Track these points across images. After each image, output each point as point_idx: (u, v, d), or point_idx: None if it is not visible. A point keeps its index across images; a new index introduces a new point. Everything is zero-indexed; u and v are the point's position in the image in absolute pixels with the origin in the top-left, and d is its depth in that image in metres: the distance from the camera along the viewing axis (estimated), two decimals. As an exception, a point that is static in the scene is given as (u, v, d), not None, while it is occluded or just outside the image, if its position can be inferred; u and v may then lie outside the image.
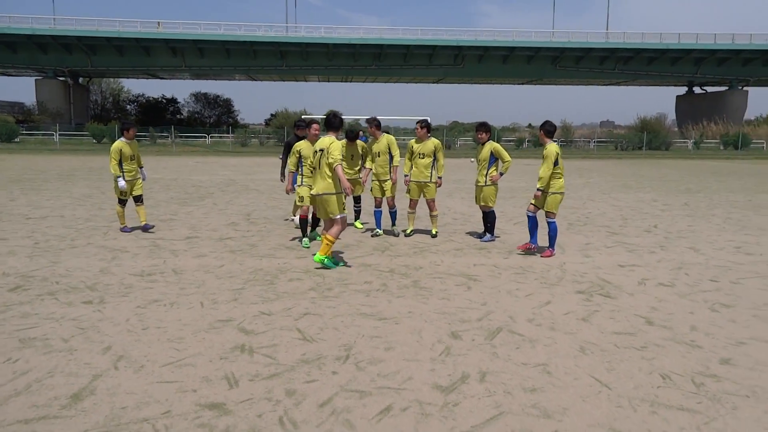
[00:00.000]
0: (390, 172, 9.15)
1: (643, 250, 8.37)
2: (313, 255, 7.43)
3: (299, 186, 8.32)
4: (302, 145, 8.22)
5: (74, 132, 55.24)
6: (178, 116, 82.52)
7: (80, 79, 70.69)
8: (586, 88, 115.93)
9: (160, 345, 4.45)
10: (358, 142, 9.41)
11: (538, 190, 7.80)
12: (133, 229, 9.36)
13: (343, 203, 7.04)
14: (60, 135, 46.63)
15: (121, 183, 8.96)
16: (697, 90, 76.83)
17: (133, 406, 3.45)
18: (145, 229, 9.18)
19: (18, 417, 3.31)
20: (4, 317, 5.04)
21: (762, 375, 4.05)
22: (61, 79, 66.45)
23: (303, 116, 36.45)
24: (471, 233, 9.55)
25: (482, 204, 8.79)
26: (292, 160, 8.30)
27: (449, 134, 61.35)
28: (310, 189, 7.70)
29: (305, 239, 8.40)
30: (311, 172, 7.85)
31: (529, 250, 8.05)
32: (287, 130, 47.31)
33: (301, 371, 4.01)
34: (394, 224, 9.38)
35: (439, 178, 8.99)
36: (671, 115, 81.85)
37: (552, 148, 7.68)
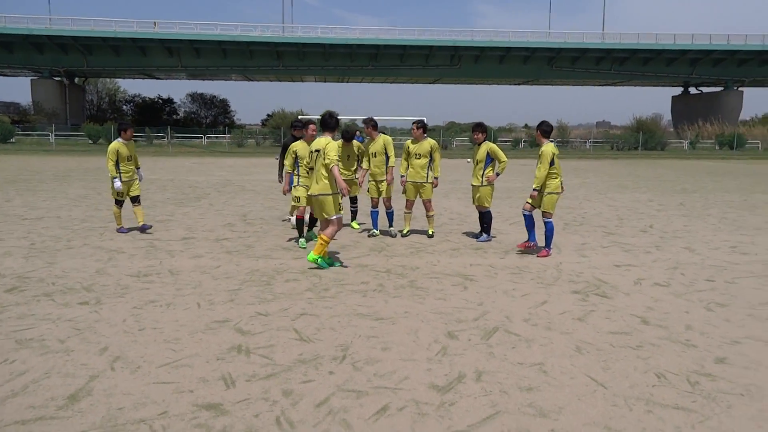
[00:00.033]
0: (386, 173, 9.16)
1: (639, 250, 8.40)
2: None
3: (296, 186, 8.33)
4: (298, 146, 8.23)
5: (70, 132, 55.08)
6: (174, 117, 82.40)
7: (76, 79, 70.48)
8: (582, 88, 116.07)
9: (156, 346, 4.45)
10: (354, 142, 9.41)
11: (534, 189, 7.83)
12: (129, 229, 9.35)
13: (340, 204, 7.04)
14: (56, 135, 46.48)
15: (117, 184, 8.95)
16: (692, 90, 77.08)
17: (130, 407, 3.46)
18: (143, 229, 9.16)
19: (15, 418, 3.31)
20: (1, 318, 5.03)
21: (757, 374, 4.07)
22: (56, 79, 66.29)
23: (300, 117, 36.48)
24: (467, 233, 9.57)
25: (478, 204, 8.81)
26: (288, 161, 8.31)
27: (446, 134, 61.38)
28: (307, 189, 7.70)
29: (302, 240, 8.41)
30: (307, 173, 7.86)
31: (529, 248, 8.09)
32: (284, 131, 47.31)
33: (297, 371, 4.01)
34: (391, 225, 9.39)
35: (436, 178, 9.01)
36: (667, 116, 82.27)
37: (548, 148, 7.71)
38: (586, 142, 58.70)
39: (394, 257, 7.75)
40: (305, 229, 8.66)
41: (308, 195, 7.32)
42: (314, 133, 8.29)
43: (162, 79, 78.28)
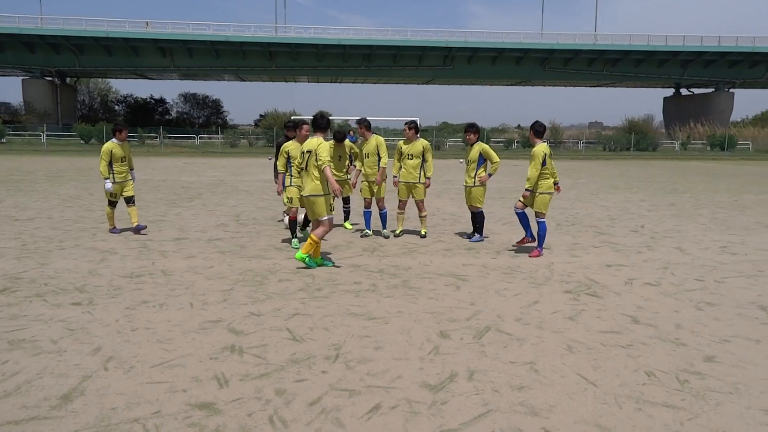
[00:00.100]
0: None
1: (630, 250, 8.46)
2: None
3: (288, 187, 8.33)
4: (291, 146, 8.23)
5: (62, 133, 54.81)
6: (166, 117, 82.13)
7: (68, 79, 70.14)
8: (574, 89, 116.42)
9: (149, 346, 4.45)
10: (347, 142, 9.44)
11: (526, 190, 7.87)
12: (122, 230, 9.33)
13: (331, 204, 7.06)
14: (47, 135, 46.19)
15: (108, 185, 8.92)
16: (684, 92, 77.56)
17: (123, 407, 3.46)
18: (138, 230, 9.13)
19: (8, 418, 3.31)
20: (-8, 319, 5.02)
21: (745, 372, 4.12)
22: (48, 79, 65.94)
23: (293, 117, 36.43)
24: (460, 234, 9.60)
25: (471, 205, 8.85)
26: (281, 161, 8.31)
27: (438, 135, 61.50)
28: (299, 190, 7.71)
29: (294, 240, 8.42)
30: (299, 173, 7.87)
31: (528, 243, 8.20)
32: (276, 131, 47.24)
33: (290, 371, 4.03)
34: (384, 227, 9.39)
35: (428, 178, 9.03)
36: (658, 117, 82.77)
37: (540, 148, 7.75)
38: (578, 142, 58.97)
39: (387, 257, 7.78)
40: (298, 229, 8.67)
41: (300, 195, 7.32)
42: (307, 133, 8.30)
43: (154, 79, 78.00)
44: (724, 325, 5.16)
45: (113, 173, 8.99)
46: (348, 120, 42.05)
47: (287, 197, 8.32)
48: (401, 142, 9.11)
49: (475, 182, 8.67)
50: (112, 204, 9.17)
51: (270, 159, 9.93)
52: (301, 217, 8.82)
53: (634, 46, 63.86)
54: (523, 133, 62.06)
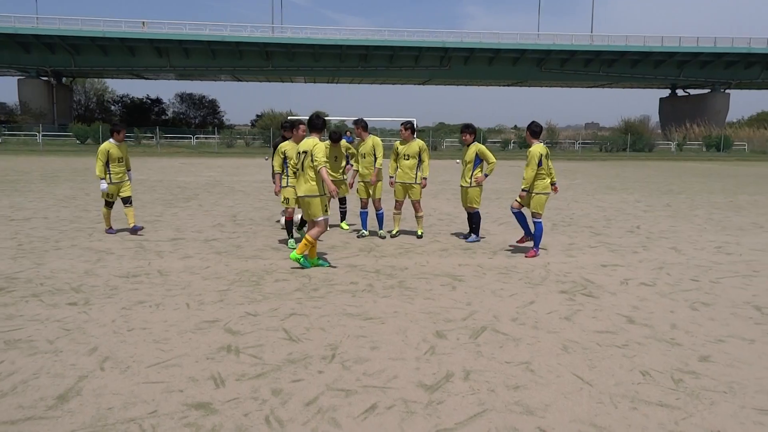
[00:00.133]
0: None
1: (626, 250, 8.49)
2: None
3: (284, 188, 8.33)
4: (287, 146, 8.22)
5: (58, 133, 54.65)
6: (163, 117, 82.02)
7: (63, 79, 69.92)
8: (571, 90, 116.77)
9: (146, 346, 4.45)
10: (342, 142, 9.44)
11: (523, 190, 7.89)
12: (118, 230, 9.32)
13: (326, 205, 7.06)
14: (43, 136, 46.06)
15: (103, 186, 8.89)
16: (680, 92, 77.79)
17: (120, 407, 3.46)
18: (134, 231, 9.11)
19: (4, 418, 3.31)
20: (-12, 319, 5.01)
21: (739, 371, 4.14)
22: (44, 78, 65.72)
23: (289, 117, 36.40)
24: (456, 234, 9.62)
25: (467, 205, 8.87)
26: (277, 161, 8.31)
27: (435, 135, 61.53)
28: (296, 190, 7.71)
29: (291, 240, 8.42)
30: (294, 174, 7.87)
31: (528, 242, 8.23)
32: (273, 131, 47.21)
33: (287, 371, 4.04)
34: (381, 228, 9.37)
35: (424, 179, 9.04)
36: (655, 117, 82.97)
37: (536, 149, 7.77)
38: (574, 143, 59.07)
39: (384, 258, 7.79)
40: (295, 229, 8.67)
41: (296, 196, 7.32)
42: (304, 133, 8.30)
43: (150, 79, 77.85)
44: (719, 325, 5.19)
45: (110, 173, 8.97)
46: (345, 120, 42.10)
47: (284, 197, 8.32)
48: (397, 143, 9.11)
49: (471, 183, 8.69)
50: (109, 204, 9.15)
51: (266, 159, 9.93)
52: (297, 217, 8.82)
53: (630, 46, 64.03)
54: (519, 134, 62.19)
